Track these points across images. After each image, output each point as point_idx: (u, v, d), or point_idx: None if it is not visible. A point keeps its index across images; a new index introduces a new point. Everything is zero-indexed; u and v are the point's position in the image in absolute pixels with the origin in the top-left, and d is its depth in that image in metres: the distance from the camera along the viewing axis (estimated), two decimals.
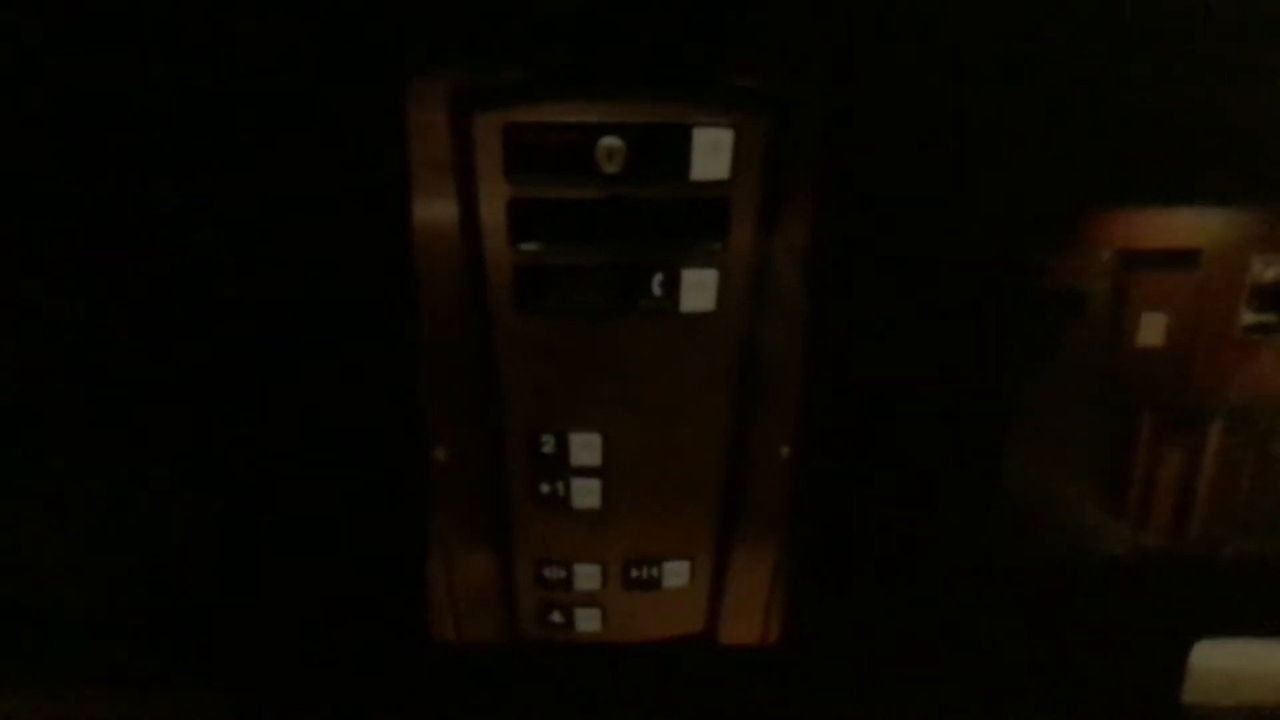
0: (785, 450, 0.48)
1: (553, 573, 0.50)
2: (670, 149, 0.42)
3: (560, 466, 0.48)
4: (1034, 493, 0.50)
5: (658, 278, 0.44)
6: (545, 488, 0.48)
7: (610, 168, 0.42)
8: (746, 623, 0.52)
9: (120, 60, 0.41)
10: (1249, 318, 0.47)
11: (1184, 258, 0.46)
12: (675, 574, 0.50)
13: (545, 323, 0.45)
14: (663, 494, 0.48)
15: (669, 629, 0.52)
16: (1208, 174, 0.45)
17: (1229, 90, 0.43)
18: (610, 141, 0.42)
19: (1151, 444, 0.49)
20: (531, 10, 0.41)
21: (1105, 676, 0.54)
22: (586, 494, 0.48)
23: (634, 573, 0.50)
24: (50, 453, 0.48)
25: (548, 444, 0.47)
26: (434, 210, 0.43)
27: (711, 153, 0.42)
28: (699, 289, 0.44)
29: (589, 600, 0.50)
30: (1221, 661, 0.53)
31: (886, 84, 0.43)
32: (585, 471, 0.48)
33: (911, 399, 0.48)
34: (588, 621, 0.51)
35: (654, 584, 0.50)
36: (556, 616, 0.51)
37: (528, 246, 0.43)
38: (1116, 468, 0.50)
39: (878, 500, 0.50)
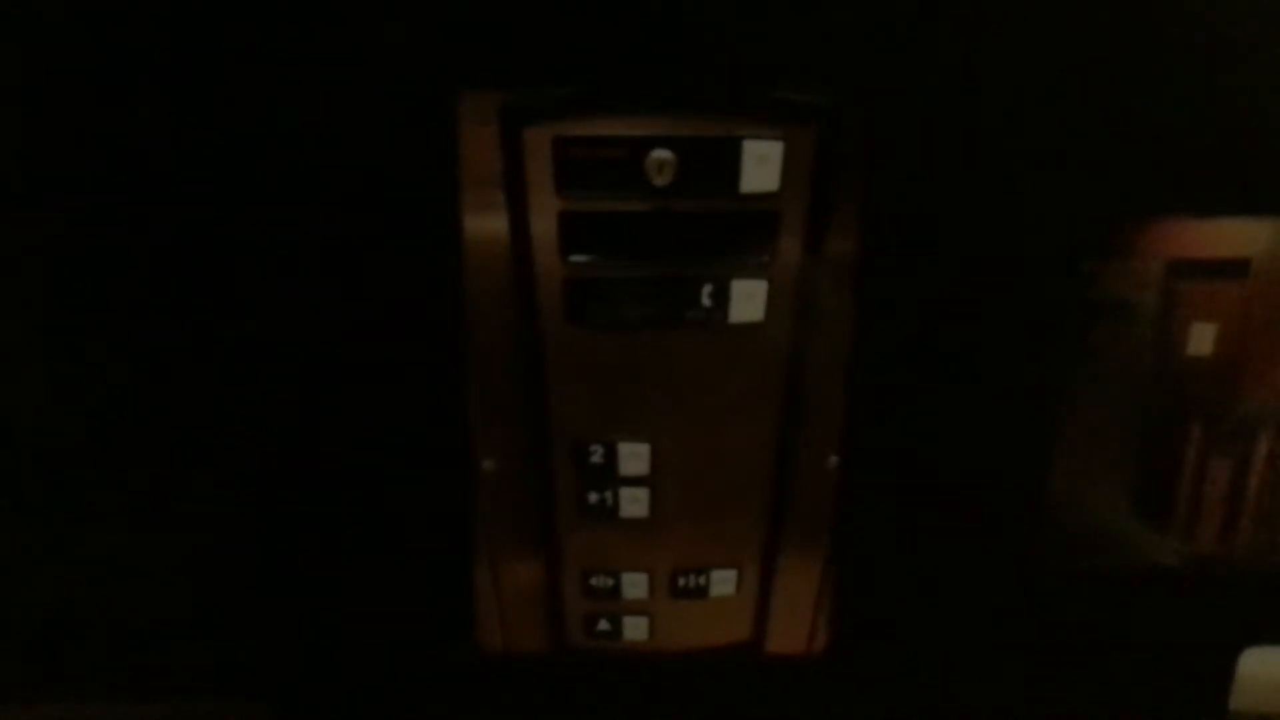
0: (833, 460, 0.48)
1: (600, 582, 0.50)
2: (720, 161, 0.42)
3: (608, 476, 0.48)
4: (1081, 502, 0.50)
5: (707, 289, 0.44)
6: (593, 497, 0.48)
7: (660, 180, 0.42)
8: (793, 631, 0.52)
9: (169, 80, 0.41)
10: None
11: (1233, 267, 0.46)
12: (722, 583, 0.50)
13: (595, 334, 0.45)
14: (710, 503, 0.49)
15: (716, 638, 0.52)
16: (1256, 183, 0.45)
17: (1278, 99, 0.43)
18: (660, 154, 0.42)
19: (1200, 454, 0.49)
20: (581, 24, 0.41)
21: (1153, 684, 0.53)
22: (634, 503, 0.48)
23: (681, 581, 0.50)
24: (96, 462, 0.48)
25: (596, 454, 0.47)
26: (484, 223, 0.43)
27: (761, 165, 0.42)
28: (748, 300, 0.45)
29: (636, 609, 0.51)
30: (1269, 669, 0.52)
31: (934, 95, 0.43)
32: (633, 481, 0.48)
33: (959, 409, 0.48)
34: (635, 630, 0.51)
35: (701, 593, 0.50)
36: (604, 625, 0.51)
37: (578, 259, 0.44)
38: (1165, 478, 0.50)
39: (924, 510, 0.50)
